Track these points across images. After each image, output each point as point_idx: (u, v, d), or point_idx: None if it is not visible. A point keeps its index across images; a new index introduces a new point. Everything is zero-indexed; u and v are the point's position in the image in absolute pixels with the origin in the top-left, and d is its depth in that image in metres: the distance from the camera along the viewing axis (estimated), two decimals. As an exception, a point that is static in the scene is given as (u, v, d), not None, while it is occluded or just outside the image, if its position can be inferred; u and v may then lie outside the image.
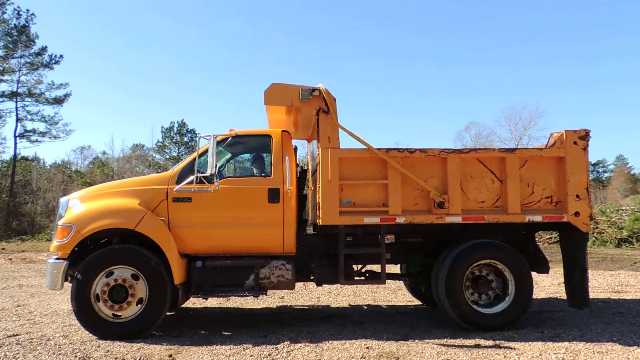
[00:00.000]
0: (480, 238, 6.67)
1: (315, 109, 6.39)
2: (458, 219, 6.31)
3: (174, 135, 53.62)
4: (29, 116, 39.86)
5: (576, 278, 6.57)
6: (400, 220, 6.27)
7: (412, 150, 6.38)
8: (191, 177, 6.16)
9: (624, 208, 26.04)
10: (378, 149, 6.29)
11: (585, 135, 6.45)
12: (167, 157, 53.09)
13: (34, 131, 40.19)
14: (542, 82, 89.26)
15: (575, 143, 6.42)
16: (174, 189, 6.20)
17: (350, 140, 6.47)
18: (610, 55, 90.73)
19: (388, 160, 6.27)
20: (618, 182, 73.77)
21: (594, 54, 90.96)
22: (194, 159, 6.31)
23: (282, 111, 6.99)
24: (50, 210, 39.74)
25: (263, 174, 6.59)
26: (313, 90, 6.35)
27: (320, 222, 6.26)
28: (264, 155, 6.77)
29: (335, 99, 6.43)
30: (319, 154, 6.35)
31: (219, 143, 6.36)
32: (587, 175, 6.49)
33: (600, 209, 26.34)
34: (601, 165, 76.79)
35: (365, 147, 6.32)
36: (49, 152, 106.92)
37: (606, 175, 79.26)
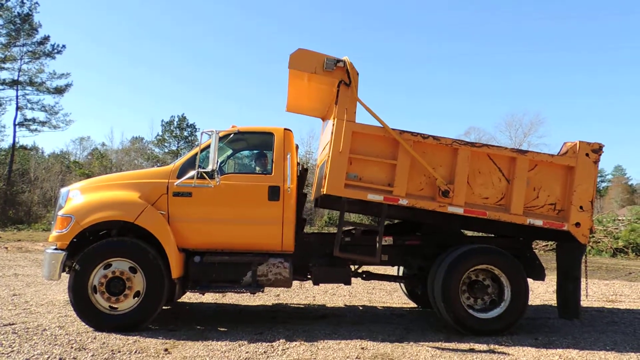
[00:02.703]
0: (477, 243, 6.73)
1: (337, 80, 6.31)
2: (460, 210, 6.31)
3: (174, 129, 53.59)
4: (29, 105, 39.81)
5: (569, 289, 6.62)
6: (403, 202, 6.24)
7: (425, 136, 6.35)
8: (192, 172, 6.17)
9: (620, 218, 26.16)
10: (392, 129, 6.26)
11: (598, 149, 6.47)
12: (166, 150, 53.07)
13: (33, 120, 40.14)
14: (543, 89, 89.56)
15: (587, 155, 6.44)
16: (175, 184, 6.21)
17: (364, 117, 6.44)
18: (612, 65, 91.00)
19: (401, 142, 6.24)
20: (615, 192, 74.01)
21: (596, 63, 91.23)
22: (196, 154, 6.32)
23: (304, 78, 6.75)
24: (47, 200, 39.67)
25: (264, 172, 6.60)
26: (338, 61, 6.26)
27: (324, 190, 6.21)
28: (266, 152, 6.78)
29: (358, 74, 6.34)
30: (333, 124, 6.30)
31: (221, 139, 6.38)
32: (594, 188, 6.50)
33: (597, 218, 26.42)
34: (599, 175, 76.88)
35: (380, 126, 6.28)
36: (48, 142, 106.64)
37: (604, 185, 79.43)
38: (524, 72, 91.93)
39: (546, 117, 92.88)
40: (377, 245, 6.39)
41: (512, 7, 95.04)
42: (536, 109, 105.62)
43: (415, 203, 6.28)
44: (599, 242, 22.96)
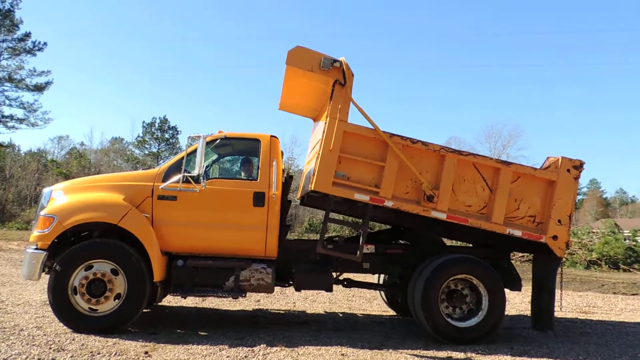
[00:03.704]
0: (457, 253, 6.88)
1: (332, 80, 6.36)
2: (443, 216, 6.43)
3: (155, 131, 53.13)
4: (7, 101, 39.21)
5: (544, 300, 6.79)
6: (389, 204, 6.32)
7: (414, 141, 6.45)
8: (178, 176, 6.18)
9: (594, 231, 26.74)
10: (383, 132, 6.35)
11: (579, 166, 6.65)
12: (147, 152, 52.55)
13: (11, 117, 39.53)
14: (523, 102, 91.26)
15: (568, 171, 6.61)
16: (160, 187, 6.21)
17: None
18: (590, 79, 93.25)
19: (390, 145, 6.33)
20: (590, 205, 75.64)
21: (575, 77, 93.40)
22: (182, 158, 6.33)
23: (299, 75, 6.73)
24: (22, 198, 38.94)
25: (250, 177, 6.63)
26: (335, 60, 6.30)
27: (312, 187, 6.25)
28: (252, 158, 6.82)
29: (353, 75, 6.41)
30: (325, 123, 6.36)
31: (207, 144, 6.40)
32: (573, 203, 6.67)
33: (572, 230, 26.95)
34: (575, 188, 78.36)
35: (372, 127, 6.36)
36: (26, 140, 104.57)
37: (579, 197, 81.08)
38: (504, 84, 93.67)
39: (525, 129, 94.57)
40: (360, 243, 6.47)
41: (493, 21, 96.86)
42: (515, 121, 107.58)
43: (400, 205, 6.38)
44: (574, 254, 23.44)
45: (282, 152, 7.02)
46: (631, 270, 21.65)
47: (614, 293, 13.20)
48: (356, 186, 6.34)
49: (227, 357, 5.20)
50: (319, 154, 6.32)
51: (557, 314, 8.26)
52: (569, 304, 10.60)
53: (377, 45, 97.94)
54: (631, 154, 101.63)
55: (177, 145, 51.49)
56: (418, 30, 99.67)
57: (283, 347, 5.64)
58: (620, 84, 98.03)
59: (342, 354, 5.52)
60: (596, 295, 12.38)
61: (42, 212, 6.04)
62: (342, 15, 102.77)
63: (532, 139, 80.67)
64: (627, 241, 24.34)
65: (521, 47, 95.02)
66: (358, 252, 6.44)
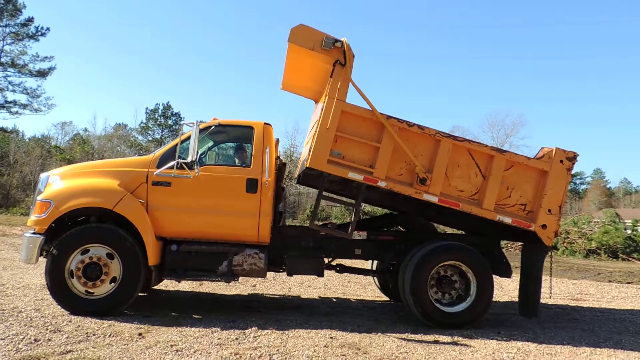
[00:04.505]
0: (448, 240, 6.99)
1: (333, 59, 6.41)
2: (435, 199, 6.51)
3: (158, 118, 53.16)
4: (10, 87, 39.33)
5: (530, 289, 6.90)
6: (382, 184, 6.41)
7: (410, 124, 6.52)
8: (172, 162, 6.29)
9: (595, 220, 26.78)
10: (380, 114, 6.43)
11: (572, 157, 6.71)
12: (150, 139, 52.65)
13: (14, 102, 39.64)
14: (527, 92, 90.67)
15: (561, 162, 6.69)
16: (154, 173, 6.33)
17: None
18: (597, 71, 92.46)
19: (387, 126, 6.40)
20: (594, 195, 75.50)
21: (581, 69, 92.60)
22: (176, 144, 6.43)
23: (301, 54, 6.77)
24: (26, 184, 39.21)
25: (243, 164, 6.74)
26: (336, 40, 6.36)
27: (307, 163, 6.35)
28: (245, 145, 6.92)
29: (354, 56, 6.47)
30: (324, 102, 6.45)
31: (201, 131, 6.50)
32: (564, 194, 6.74)
33: (573, 219, 27.04)
34: (579, 177, 78.33)
35: (369, 108, 6.43)
36: (29, 125, 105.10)
37: (583, 187, 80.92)
38: (508, 73, 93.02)
39: (529, 119, 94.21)
40: (352, 222, 6.60)
41: (499, 12, 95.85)
42: (519, 110, 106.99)
43: (393, 187, 6.47)
44: (573, 243, 23.54)
45: (277, 140, 7.11)
46: (630, 259, 21.76)
47: (609, 281, 13.31)
48: (351, 165, 6.42)
49: (219, 338, 5.35)
50: (316, 131, 6.41)
51: (548, 300, 8.43)
52: (562, 291, 10.71)
53: (383, 35, 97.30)
54: (636, 144, 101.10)
55: (180, 132, 51.54)
56: (424, 20, 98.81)
57: (274, 330, 5.79)
58: (626, 75, 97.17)
59: (331, 337, 5.66)
60: (590, 283, 12.49)
61: (39, 197, 6.18)
62: (347, 5, 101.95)
63: (536, 128, 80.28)
64: (628, 231, 24.41)
65: (527, 38, 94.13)
66: (350, 229, 6.58)
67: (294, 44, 6.44)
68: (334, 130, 6.32)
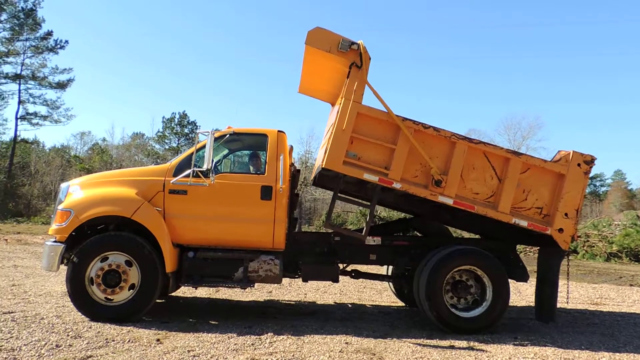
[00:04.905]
0: (463, 245, 6.97)
1: (349, 62, 6.47)
2: (450, 201, 6.50)
3: (175, 126, 53.81)
4: (31, 99, 40.18)
5: (546, 293, 6.84)
6: (397, 185, 6.43)
7: (426, 126, 6.54)
8: (188, 171, 6.40)
9: (616, 223, 26.32)
10: (396, 115, 6.46)
11: (590, 161, 6.65)
12: (167, 147, 53.28)
13: (35, 114, 40.51)
14: (544, 93, 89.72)
15: (579, 165, 6.62)
16: (171, 181, 6.44)
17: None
18: (615, 70, 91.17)
19: (402, 128, 6.42)
20: (614, 197, 74.11)
21: (599, 68, 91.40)
22: (192, 153, 6.55)
23: (318, 56, 6.82)
24: (47, 193, 39.94)
25: (258, 172, 6.82)
26: (352, 43, 6.42)
27: (323, 164, 6.40)
28: (260, 153, 7.01)
29: (370, 59, 6.52)
30: (340, 104, 6.51)
31: (216, 139, 6.61)
32: (582, 198, 6.67)
33: (593, 222, 26.62)
34: (599, 179, 77.12)
35: (385, 110, 6.47)
36: (49, 136, 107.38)
37: (603, 189, 79.58)
38: (525, 75, 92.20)
39: (545, 121, 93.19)
40: (366, 223, 6.66)
41: (514, 12, 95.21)
42: (536, 112, 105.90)
43: (409, 188, 6.47)
44: (594, 247, 23.17)
45: (291, 147, 7.19)
46: (652, 262, 21.32)
47: (631, 285, 13.08)
48: (366, 166, 6.45)
49: (235, 344, 5.42)
50: (332, 133, 6.47)
51: (566, 305, 8.34)
52: (582, 295, 10.57)
53: (396, 39, 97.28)
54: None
55: (196, 140, 52.04)
56: (437, 23, 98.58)
57: (289, 336, 5.84)
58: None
59: (347, 342, 5.69)
60: (611, 287, 12.29)
61: (60, 207, 6.33)
62: (359, 9, 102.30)
63: (553, 130, 79.34)
64: (649, 233, 23.90)
65: (543, 38, 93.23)
66: (364, 231, 6.65)
67: (311, 46, 6.51)
68: (349, 132, 6.38)
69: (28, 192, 38.23)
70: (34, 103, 40.45)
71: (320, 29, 6.48)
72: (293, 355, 5.08)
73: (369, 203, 6.82)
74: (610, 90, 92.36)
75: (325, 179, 7.11)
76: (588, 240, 23.62)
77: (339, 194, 6.75)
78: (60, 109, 41.26)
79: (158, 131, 54.06)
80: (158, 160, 48.06)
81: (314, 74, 7.57)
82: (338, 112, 6.48)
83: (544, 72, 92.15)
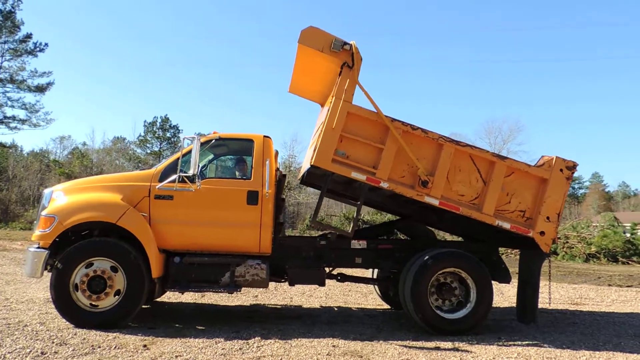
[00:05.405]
0: (447, 247, 7.08)
1: (341, 62, 6.53)
2: (435, 202, 6.61)
3: (157, 130, 53.41)
4: (9, 102, 39.50)
5: (528, 294, 6.98)
6: (384, 185, 6.51)
7: (414, 127, 6.64)
8: (174, 176, 6.39)
9: (594, 224, 26.86)
10: (385, 116, 6.54)
11: (572, 167, 6.82)
12: (149, 151, 52.82)
13: (13, 118, 39.79)
14: (524, 97, 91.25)
15: (561, 170, 6.79)
16: (157, 187, 6.42)
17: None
18: (593, 74, 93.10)
19: (391, 129, 6.51)
20: (592, 199, 75.64)
21: (578, 72, 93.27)
22: (178, 158, 6.53)
23: (310, 55, 6.88)
24: (25, 198, 39.25)
25: (243, 177, 6.84)
26: (345, 43, 6.48)
27: (312, 162, 6.46)
28: (246, 158, 7.03)
29: (361, 59, 6.58)
30: (330, 102, 6.56)
31: (202, 144, 6.60)
32: (563, 202, 6.84)
33: (572, 224, 27.14)
34: (577, 181, 78.63)
35: (374, 110, 6.54)
36: (28, 140, 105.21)
37: (581, 191, 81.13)
38: (506, 78, 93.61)
39: (525, 125, 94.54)
40: (353, 221, 6.77)
41: (494, 15, 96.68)
42: (516, 115, 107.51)
43: (395, 188, 6.56)
44: (573, 248, 23.61)
45: (276, 152, 7.22)
46: (630, 262, 21.81)
47: (609, 285, 13.38)
48: (354, 165, 6.52)
49: (223, 349, 5.42)
50: (322, 131, 6.53)
51: (547, 305, 8.50)
52: (562, 296, 10.79)
53: (378, 43, 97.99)
54: (634, 147, 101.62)
55: (179, 144, 51.80)
56: (418, 27, 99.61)
57: (277, 340, 5.86)
58: (623, 77, 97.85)
59: (334, 345, 5.73)
60: (590, 288, 12.56)
61: (44, 212, 6.26)
62: (345, 12, 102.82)
63: (533, 133, 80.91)
64: (627, 234, 24.48)
65: (521, 42, 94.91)
66: (350, 228, 6.74)
67: (304, 45, 6.56)
68: (339, 131, 6.45)
69: (6, 198, 37.47)
70: (12, 106, 39.80)
71: (314, 28, 6.54)
72: (281, 359, 5.11)
73: (356, 202, 6.90)
74: (588, 93, 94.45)
75: (313, 177, 7.17)
76: (567, 242, 24.07)
77: (326, 193, 6.82)
78: (39, 112, 40.66)
79: (139, 135, 53.66)
80: (140, 165, 47.61)
81: (305, 74, 7.63)
82: (328, 111, 6.54)
83: (524, 75, 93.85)
